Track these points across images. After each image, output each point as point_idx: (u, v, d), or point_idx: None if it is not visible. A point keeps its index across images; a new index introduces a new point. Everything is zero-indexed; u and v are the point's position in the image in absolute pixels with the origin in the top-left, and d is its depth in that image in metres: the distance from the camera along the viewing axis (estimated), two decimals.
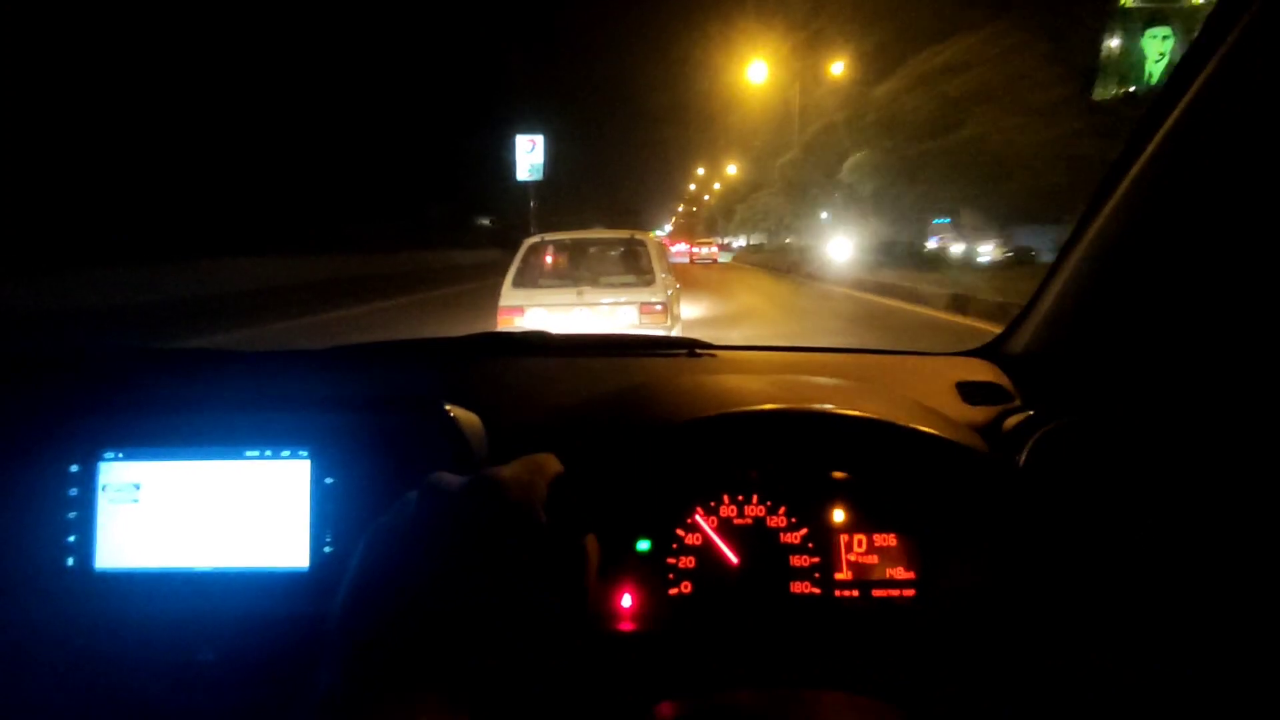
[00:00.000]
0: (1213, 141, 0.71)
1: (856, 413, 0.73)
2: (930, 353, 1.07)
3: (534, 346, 1.07)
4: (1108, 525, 0.74)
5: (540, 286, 5.31)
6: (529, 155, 31.25)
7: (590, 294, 5.23)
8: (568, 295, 5.19)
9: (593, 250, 5.94)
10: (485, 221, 43.38)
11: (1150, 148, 0.76)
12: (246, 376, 0.98)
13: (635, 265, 5.50)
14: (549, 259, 5.61)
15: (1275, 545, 0.72)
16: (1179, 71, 0.72)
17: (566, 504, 0.46)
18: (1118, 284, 0.84)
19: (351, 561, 0.42)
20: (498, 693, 0.39)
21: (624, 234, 5.86)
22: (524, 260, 5.33)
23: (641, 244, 5.57)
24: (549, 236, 5.72)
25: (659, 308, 5.11)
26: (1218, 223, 0.73)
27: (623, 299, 5.21)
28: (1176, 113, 0.72)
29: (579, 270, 5.65)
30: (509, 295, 5.13)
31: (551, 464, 0.49)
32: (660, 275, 5.33)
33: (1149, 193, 0.78)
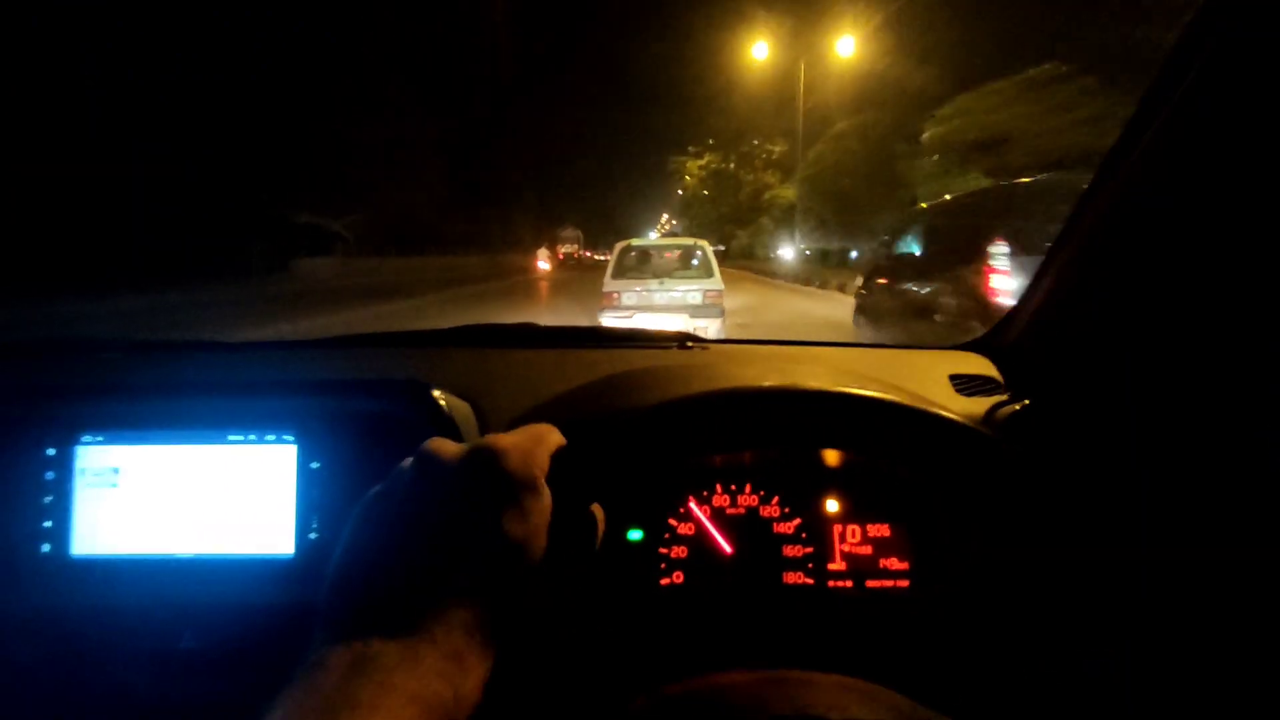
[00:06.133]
0: (1199, 143, 0.71)
1: (851, 390, 0.73)
2: (924, 346, 1.07)
3: (522, 338, 1.06)
4: (1099, 513, 0.74)
5: (630, 277, 7.25)
6: None
7: (668, 282, 7.09)
8: (652, 283, 7.06)
9: (666, 252, 7.92)
10: None
11: (1139, 148, 0.76)
12: (231, 363, 0.96)
13: (697, 263, 7.46)
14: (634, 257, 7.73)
15: (1259, 532, 0.72)
16: (1165, 74, 0.72)
17: (570, 474, 0.45)
18: (1105, 276, 0.85)
19: (344, 531, 0.41)
20: (497, 662, 0.38)
21: (688, 241, 7.87)
22: (618, 259, 7.33)
23: (701, 248, 7.59)
24: (634, 243, 7.74)
25: (715, 294, 7.04)
26: (1200, 222, 0.74)
27: (692, 286, 7.07)
28: (1165, 113, 0.72)
29: (657, 266, 7.59)
30: (609, 284, 7.04)
31: (554, 435, 0.47)
32: (716, 270, 7.25)
33: (1131, 194, 0.78)
